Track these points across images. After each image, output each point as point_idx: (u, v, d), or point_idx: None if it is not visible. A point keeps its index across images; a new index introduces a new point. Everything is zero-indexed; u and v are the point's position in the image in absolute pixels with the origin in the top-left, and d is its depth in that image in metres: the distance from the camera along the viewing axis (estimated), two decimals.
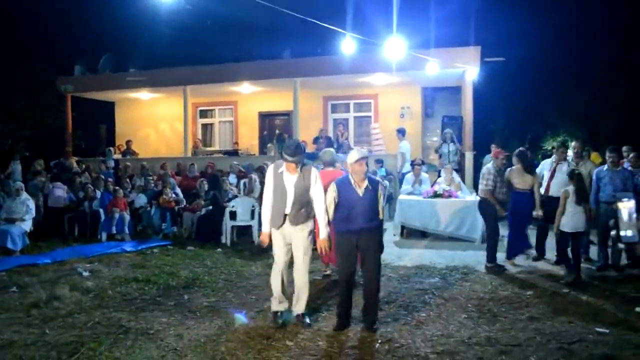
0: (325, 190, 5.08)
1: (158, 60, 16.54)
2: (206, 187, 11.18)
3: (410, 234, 10.05)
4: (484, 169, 7.67)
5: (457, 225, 9.44)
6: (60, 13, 18.33)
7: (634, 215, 6.07)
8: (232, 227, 9.98)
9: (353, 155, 4.99)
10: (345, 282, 5.06)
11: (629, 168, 7.92)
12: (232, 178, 12.25)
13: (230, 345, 4.63)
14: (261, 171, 11.54)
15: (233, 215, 10.10)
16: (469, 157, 12.74)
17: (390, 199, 11.61)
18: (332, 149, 7.55)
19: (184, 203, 11.06)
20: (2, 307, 5.92)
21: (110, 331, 5.04)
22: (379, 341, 4.72)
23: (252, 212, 10.04)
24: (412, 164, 11.25)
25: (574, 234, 6.85)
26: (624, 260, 7.40)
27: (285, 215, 5.07)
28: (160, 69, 15.39)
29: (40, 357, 4.48)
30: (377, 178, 10.53)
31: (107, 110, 18.20)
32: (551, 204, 7.80)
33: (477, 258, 8.10)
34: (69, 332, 5.06)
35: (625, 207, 6.12)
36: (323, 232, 5.05)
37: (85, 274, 7.38)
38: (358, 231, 4.91)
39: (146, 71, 15.52)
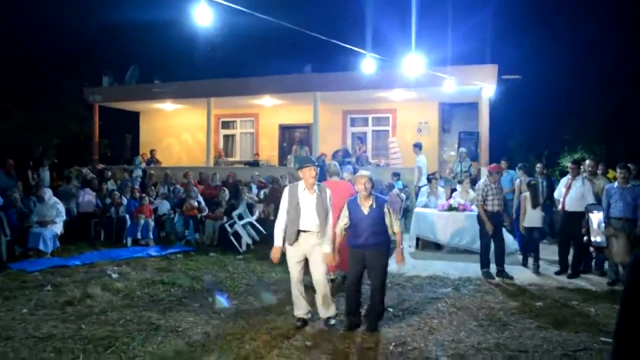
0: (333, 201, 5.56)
1: (182, 72, 17.11)
2: (227, 196, 11.58)
3: (425, 245, 10.29)
4: (478, 184, 8.17)
5: (471, 238, 9.63)
6: (89, 26, 19.04)
7: (602, 225, 7.02)
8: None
9: (358, 174, 5.48)
10: (353, 284, 5.46)
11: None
12: (254, 188, 12.63)
13: (254, 344, 4.95)
14: (277, 182, 11.89)
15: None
16: (484, 172, 12.92)
17: (407, 212, 11.90)
18: (335, 162, 8.01)
19: (207, 211, 11.45)
20: (38, 304, 6.32)
21: (141, 328, 5.40)
22: (393, 344, 5.00)
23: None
24: (429, 178, 11.53)
25: (531, 229, 8.40)
26: None
27: (299, 231, 5.40)
28: (185, 81, 15.91)
29: (78, 350, 4.84)
30: (395, 191, 10.89)
31: (132, 120, 18.80)
32: (568, 219, 8.08)
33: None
34: (103, 327, 5.43)
35: (595, 217, 7.06)
36: (327, 247, 5.41)
37: (115, 275, 7.79)
38: (363, 246, 5.34)
39: (171, 83, 16.05)
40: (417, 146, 13.10)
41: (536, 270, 8.25)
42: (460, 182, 11.02)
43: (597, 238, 7.09)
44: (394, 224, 5.40)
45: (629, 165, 7.97)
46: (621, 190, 7.44)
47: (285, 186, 11.33)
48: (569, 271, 8.01)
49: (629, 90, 17.40)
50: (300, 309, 5.55)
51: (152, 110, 18.04)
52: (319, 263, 5.42)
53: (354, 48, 8.54)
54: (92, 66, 18.04)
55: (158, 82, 16.50)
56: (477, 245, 9.59)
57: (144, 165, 16.26)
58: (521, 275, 8.01)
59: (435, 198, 10.67)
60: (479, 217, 8.16)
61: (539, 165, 10.65)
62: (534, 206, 8.38)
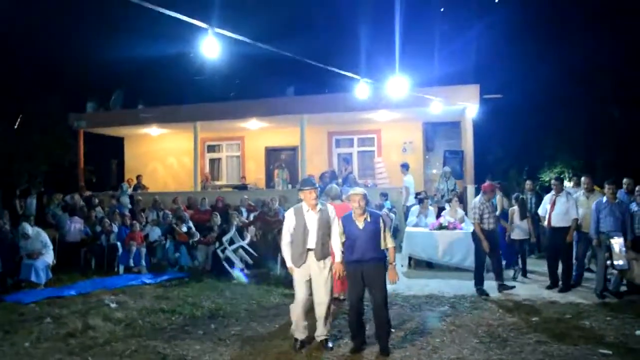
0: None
1: (167, 96, 17.15)
2: (219, 221, 11.62)
3: (417, 264, 10.47)
4: (473, 202, 8.42)
5: (462, 256, 9.85)
6: (72, 50, 18.98)
7: (623, 249, 7.35)
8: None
9: (350, 192, 5.63)
10: (355, 306, 5.51)
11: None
12: (244, 212, 12.69)
13: None
14: (266, 205, 11.95)
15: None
16: (470, 190, 13.23)
17: (396, 231, 12.06)
18: (335, 185, 8.24)
19: (198, 236, 11.45)
20: (41, 337, 6.28)
21: (149, 358, 5.43)
22: None
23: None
24: (420, 198, 11.72)
25: (520, 240, 9.37)
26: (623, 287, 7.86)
27: (308, 250, 5.53)
28: (171, 105, 15.96)
29: None
30: (384, 211, 11.04)
31: (117, 145, 18.71)
32: (554, 234, 8.34)
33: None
34: (111, 359, 5.44)
35: (617, 242, 7.40)
36: (338, 256, 5.58)
37: (113, 305, 7.76)
38: (360, 261, 5.43)
39: (157, 107, 16.09)
40: (404, 166, 13.35)
41: (515, 276, 9.14)
42: (449, 201, 11.24)
43: (619, 262, 7.38)
44: (387, 239, 5.52)
45: (625, 179, 8.34)
46: (610, 205, 7.71)
47: (273, 209, 11.49)
48: (560, 285, 8.24)
49: (605, 106, 17.98)
50: (300, 332, 5.63)
51: (137, 136, 18.02)
52: (322, 286, 5.53)
53: (339, 71, 8.73)
54: (76, 91, 17.96)
55: (142, 106, 16.52)
56: (468, 262, 9.81)
57: (131, 191, 16.19)
58: (514, 290, 8.18)
59: (425, 217, 10.87)
60: (474, 235, 8.34)
61: (528, 182, 11.32)
62: (522, 218, 9.37)
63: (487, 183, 8.63)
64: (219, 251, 10.52)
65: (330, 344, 5.58)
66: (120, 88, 17.31)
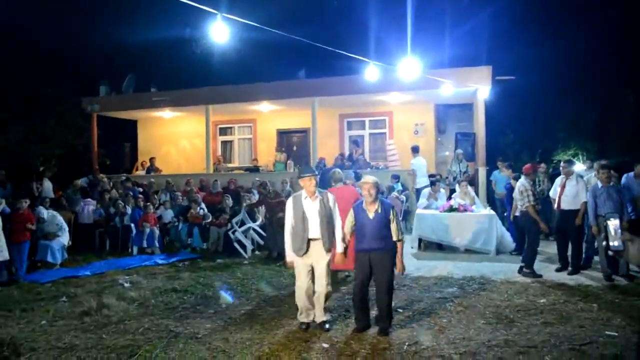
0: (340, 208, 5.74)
1: (179, 79, 17.24)
2: (231, 202, 11.74)
3: (427, 246, 10.52)
4: (521, 185, 8.23)
5: (473, 238, 9.89)
6: (84, 34, 19.11)
7: (619, 231, 7.33)
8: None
9: (361, 181, 5.64)
10: (358, 291, 5.59)
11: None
12: (255, 194, 12.77)
13: (273, 347, 5.13)
14: (264, 187, 12.00)
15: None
16: (482, 172, 13.20)
17: (407, 214, 12.11)
18: (338, 169, 8.32)
19: (210, 218, 11.59)
20: (56, 315, 6.47)
21: (161, 336, 5.56)
22: (407, 343, 5.18)
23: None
24: (432, 181, 11.73)
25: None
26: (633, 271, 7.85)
27: (310, 240, 5.58)
28: (183, 89, 16.05)
29: (102, 359, 4.99)
30: (394, 193, 11.08)
31: (130, 129, 18.89)
32: (564, 217, 8.32)
33: (492, 269, 8.60)
34: (124, 336, 5.58)
35: (612, 224, 7.37)
36: (340, 247, 5.64)
37: (127, 284, 7.95)
38: (369, 250, 5.48)
39: (170, 91, 16.18)
40: (414, 149, 13.37)
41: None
42: (459, 183, 11.24)
43: (615, 243, 7.40)
44: (396, 231, 5.52)
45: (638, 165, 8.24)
46: (607, 189, 7.68)
47: (272, 191, 11.50)
48: (570, 268, 8.24)
49: (620, 87, 17.75)
50: (304, 316, 5.73)
51: (150, 119, 18.16)
52: (323, 274, 5.60)
53: (349, 54, 8.72)
54: (89, 76, 18.12)
55: (155, 90, 16.62)
56: (478, 244, 9.86)
57: (141, 172, 16.43)
58: (523, 272, 8.21)
59: (436, 200, 10.89)
60: (523, 218, 8.28)
61: (542, 165, 11.25)
62: None
63: (528, 165, 8.57)
64: (230, 233, 10.66)
65: (327, 326, 5.67)
66: (132, 72, 17.40)
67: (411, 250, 10.26)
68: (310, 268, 5.65)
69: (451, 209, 10.22)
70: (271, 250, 10.05)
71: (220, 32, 5.63)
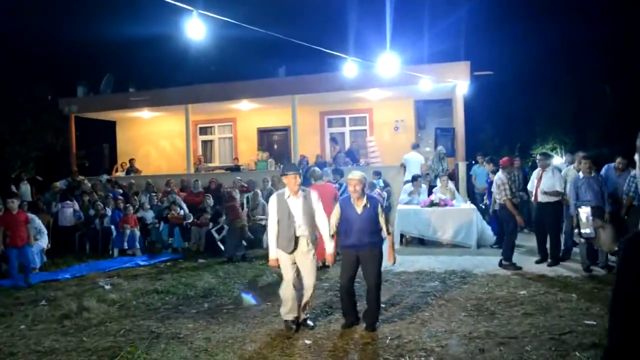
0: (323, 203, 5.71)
1: (158, 79, 17.08)
2: (212, 202, 11.68)
3: (409, 241, 10.60)
4: (498, 179, 8.31)
5: (454, 232, 9.98)
6: (60, 34, 18.82)
7: (590, 218, 7.41)
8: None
9: (349, 176, 5.59)
10: (346, 287, 5.57)
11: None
12: (237, 193, 12.70)
13: (255, 345, 5.12)
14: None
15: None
16: (462, 167, 13.30)
17: (389, 209, 12.15)
18: (317, 168, 8.46)
19: (192, 218, 11.52)
20: (36, 319, 6.36)
21: (142, 337, 5.51)
22: (389, 338, 5.21)
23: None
24: (414, 176, 11.76)
25: None
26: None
27: (297, 237, 5.52)
28: (162, 89, 15.91)
29: None
30: (377, 190, 11.11)
31: (109, 130, 18.67)
32: (541, 209, 8.44)
33: (473, 262, 8.70)
34: (105, 338, 5.52)
35: (584, 211, 7.48)
36: (329, 247, 5.61)
37: (107, 287, 7.86)
38: (356, 246, 5.44)
39: (148, 91, 16.02)
40: (412, 146, 13.42)
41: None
42: (439, 178, 11.31)
43: (586, 230, 7.50)
44: (385, 226, 5.54)
45: (618, 158, 8.30)
46: (588, 180, 7.78)
47: (229, 193, 11.36)
48: (549, 260, 8.36)
49: (596, 79, 18.04)
50: (291, 312, 5.60)
51: (129, 119, 17.95)
52: (309, 271, 5.55)
53: (327, 51, 8.72)
54: (66, 76, 17.86)
55: (133, 90, 16.45)
56: (459, 238, 9.96)
57: (120, 173, 16.27)
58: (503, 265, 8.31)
59: (418, 195, 10.96)
60: (501, 211, 8.36)
61: (517, 160, 11.27)
62: None
63: (505, 158, 8.65)
64: (213, 231, 10.60)
65: (310, 323, 5.66)
66: (110, 72, 17.19)
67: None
68: (295, 262, 5.58)
69: (432, 204, 10.30)
70: (225, 253, 10.01)
71: (196, 29, 5.58)
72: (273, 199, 5.68)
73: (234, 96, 15.02)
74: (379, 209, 5.51)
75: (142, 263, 9.81)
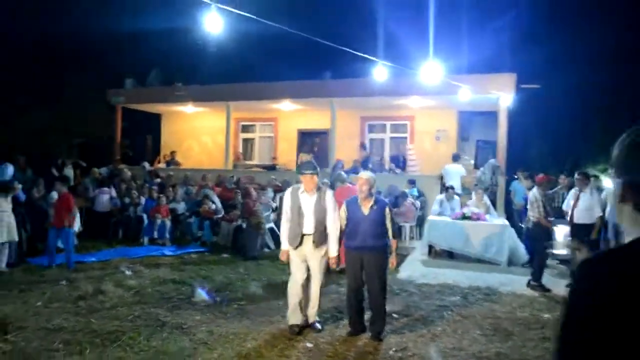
0: (340, 205, 5.55)
1: (204, 75, 17.35)
2: (242, 199, 11.73)
3: (438, 254, 10.29)
4: (532, 196, 7.99)
5: (484, 247, 9.62)
6: (112, 28, 19.42)
7: (568, 238, 7.06)
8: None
9: (358, 175, 5.49)
10: (353, 294, 5.40)
11: None
12: (270, 192, 12.74)
13: (256, 343, 5.05)
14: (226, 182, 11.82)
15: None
16: (501, 182, 12.86)
17: (422, 220, 11.88)
18: (342, 172, 8.53)
19: (222, 213, 11.60)
20: (53, 298, 6.53)
21: (148, 324, 5.54)
22: (393, 349, 5.03)
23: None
24: (446, 187, 11.46)
25: None
26: None
27: (303, 235, 5.41)
28: (205, 85, 16.15)
29: (86, 343, 4.99)
30: (409, 200, 10.84)
31: (154, 122, 19.10)
32: (577, 231, 8.02)
33: (500, 280, 8.33)
34: (112, 322, 5.58)
35: (561, 230, 7.20)
36: (333, 250, 5.46)
37: (128, 272, 8.00)
38: (361, 248, 5.28)
39: (192, 86, 16.30)
40: (453, 157, 13.13)
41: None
42: (475, 191, 10.95)
43: (561, 251, 7.11)
44: (391, 230, 5.38)
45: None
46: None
47: (245, 188, 11.34)
48: None
49: None
50: (296, 318, 5.50)
51: (174, 113, 18.33)
52: (316, 272, 5.45)
53: (366, 56, 8.62)
54: (115, 68, 18.42)
55: (179, 84, 16.78)
56: (489, 254, 9.59)
57: (162, 165, 16.61)
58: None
59: (450, 207, 10.66)
60: (534, 229, 7.99)
61: (562, 177, 10.93)
62: None
63: (541, 175, 8.32)
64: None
65: (318, 325, 5.53)
66: (157, 66, 17.62)
67: (421, 256, 10.06)
68: (304, 260, 5.49)
69: (464, 217, 9.98)
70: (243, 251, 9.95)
71: (214, 23, 5.61)
72: (287, 192, 5.66)
73: (274, 96, 15.08)
74: (387, 211, 5.35)
75: (168, 253, 9.94)
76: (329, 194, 5.57)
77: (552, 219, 8.06)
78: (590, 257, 1.20)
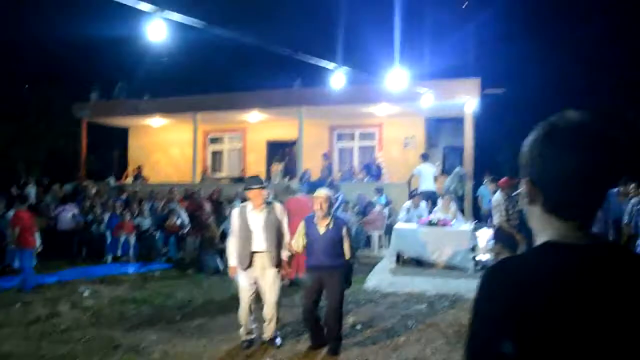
0: (292, 213, 5.53)
1: (170, 87, 17.12)
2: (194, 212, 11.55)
3: (406, 262, 10.23)
4: (495, 200, 7.97)
5: (451, 254, 9.59)
6: (76, 41, 19.08)
7: (491, 242, 6.84)
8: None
9: (315, 194, 5.32)
10: (309, 310, 5.23)
11: None
12: (238, 204, 12.56)
13: None
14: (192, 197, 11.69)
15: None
16: (468, 187, 12.93)
17: (390, 228, 11.84)
18: (292, 184, 8.56)
19: (189, 227, 11.39)
20: (5, 323, 6.27)
21: (102, 346, 5.35)
22: None
23: None
24: (412, 193, 11.43)
25: None
26: None
27: (253, 253, 5.26)
28: (172, 97, 15.94)
29: None
30: (378, 207, 10.77)
31: (121, 136, 18.79)
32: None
33: (468, 287, 8.24)
34: (63, 346, 5.37)
35: (484, 234, 6.75)
36: (284, 254, 5.42)
37: (86, 293, 7.73)
38: (319, 267, 5.16)
39: (158, 98, 16.08)
40: (422, 156, 12.94)
41: None
42: (442, 197, 10.95)
43: (483, 256, 6.92)
44: (347, 251, 5.24)
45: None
46: None
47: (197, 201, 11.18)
48: None
49: (619, 101, 17.41)
50: (247, 333, 5.43)
51: (141, 127, 18.05)
52: (271, 286, 5.32)
53: (328, 63, 8.56)
54: (80, 82, 18.07)
55: (146, 97, 16.53)
56: (456, 261, 9.56)
57: (129, 180, 16.31)
58: None
59: (416, 213, 10.63)
60: (500, 232, 7.93)
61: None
62: None
63: (504, 179, 8.30)
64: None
65: (278, 341, 5.42)
66: (123, 79, 17.34)
67: (389, 265, 9.99)
68: (253, 283, 5.34)
69: (430, 224, 9.95)
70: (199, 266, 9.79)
71: (157, 31, 5.49)
72: (235, 211, 5.49)
73: (243, 106, 14.96)
74: (344, 231, 5.21)
75: (130, 270, 9.71)
76: (278, 208, 5.47)
77: (517, 222, 8.05)
78: (492, 265, 1.21)
